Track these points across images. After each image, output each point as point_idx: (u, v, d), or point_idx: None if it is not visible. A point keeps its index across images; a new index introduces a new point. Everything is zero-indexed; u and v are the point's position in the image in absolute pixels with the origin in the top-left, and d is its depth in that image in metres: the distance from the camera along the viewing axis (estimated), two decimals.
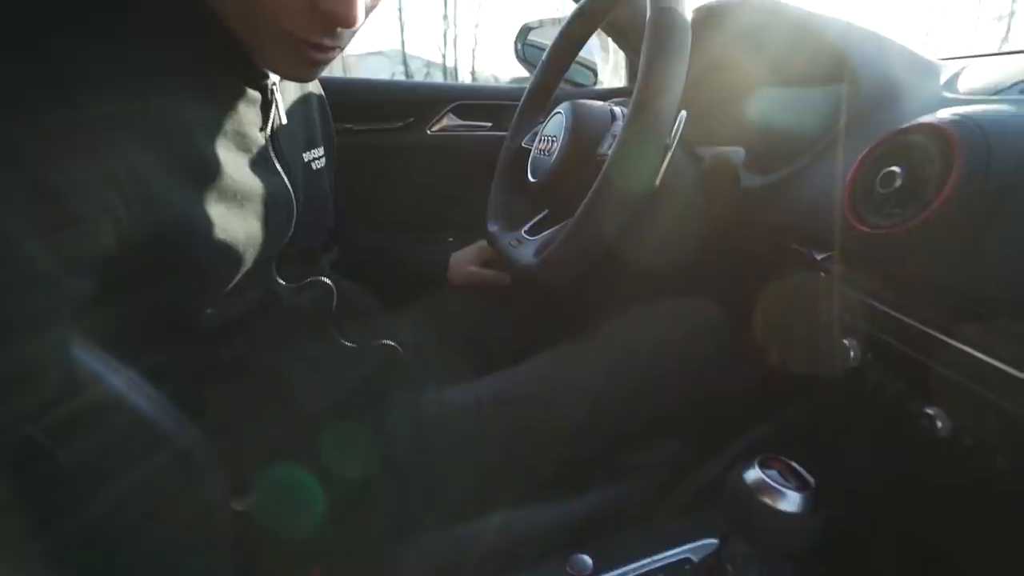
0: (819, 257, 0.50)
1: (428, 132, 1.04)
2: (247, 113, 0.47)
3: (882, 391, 0.43)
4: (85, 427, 0.33)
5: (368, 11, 0.43)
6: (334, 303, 0.62)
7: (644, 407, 0.57)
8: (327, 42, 0.42)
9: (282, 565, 0.53)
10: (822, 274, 0.50)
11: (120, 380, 0.39)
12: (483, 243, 0.85)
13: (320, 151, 0.61)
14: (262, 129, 0.49)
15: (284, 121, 0.52)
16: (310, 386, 0.57)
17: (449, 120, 1.06)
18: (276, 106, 0.50)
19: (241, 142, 0.47)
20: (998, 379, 0.34)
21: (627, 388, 0.60)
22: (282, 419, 0.57)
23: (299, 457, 0.56)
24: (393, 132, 1.03)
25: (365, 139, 1.02)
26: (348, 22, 0.40)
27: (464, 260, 0.85)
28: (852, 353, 0.46)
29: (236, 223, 0.46)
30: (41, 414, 0.31)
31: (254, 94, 0.47)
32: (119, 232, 0.36)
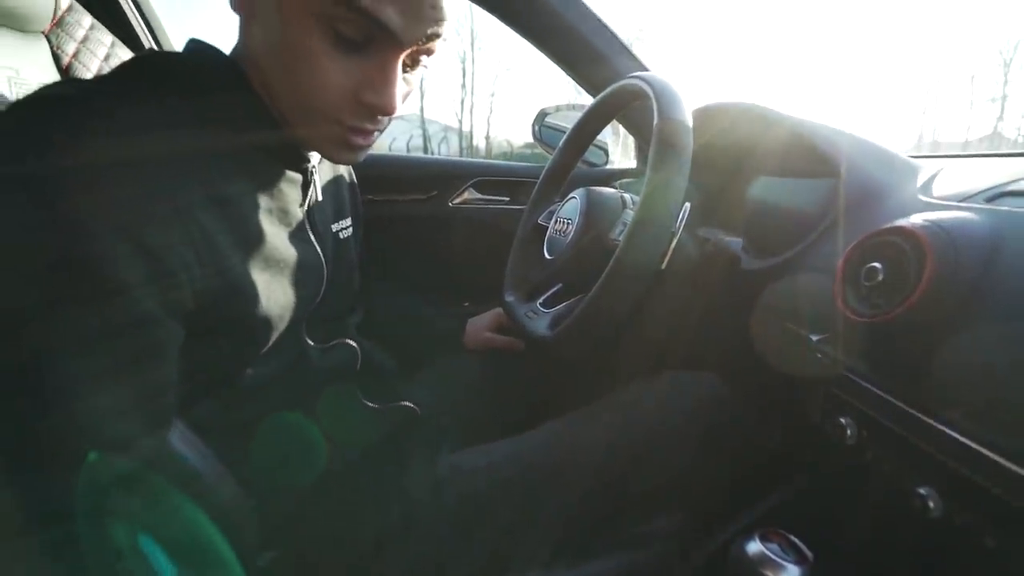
0: (815, 339, 0.54)
1: (450, 204, 1.12)
2: (289, 192, 0.53)
3: (878, 469, 0.46)
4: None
5: (404, 98, 0.51)
6: (358, 364, 0.67)
7: (649, 476, 0.59)
8: (369, 126, 0.49)
9: None
10: (819, 355, 0.54)
11: (175, 433, 0.43)
12: (498, 310, 0.90)
13: (348, 222, 0.68)
14: (301, 205, 0.55)
15: (320, 198, 0.58)
16: (332, 443, 0.61)
17: (470, 194, 1.14)
18: (314, 185, 0.57)
19: (283, 217, 0.53)
20: (979, 461, 0.37)
21: (633, 457, 0.62)
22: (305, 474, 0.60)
23: (319, 515, 0.58)
24: (418, 203, 1.11)
25: (392, 209, 1.10)
26: (387, 111, 0.47)
27: (480, 326, 0.89)
28: (849, 431, 0.49)
29: (276, 287, 0.51)
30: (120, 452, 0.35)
31: (296, 175, 0.54)
32: (192, 287, 0.41)
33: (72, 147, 0.35)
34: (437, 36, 0.45)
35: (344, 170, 0.72)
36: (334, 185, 0.67)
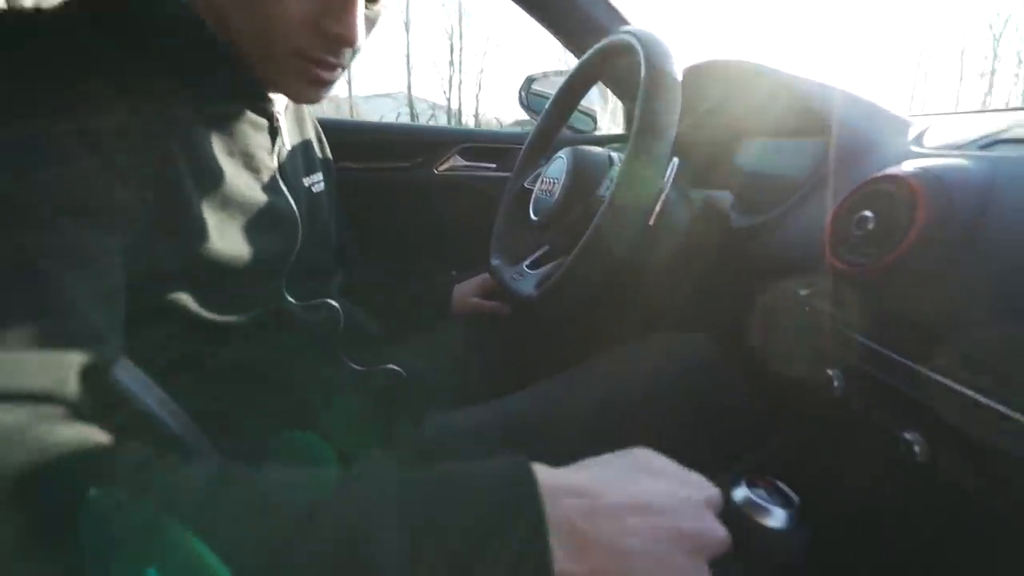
0: (803, 292, 0.54)
1: (435, 171, 1.10)
2: (255, 137, 0.52)
3: (865, 418, 0.46)
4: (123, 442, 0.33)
5: (369, 29, 0.50)
6: (341, 325, 0.65)
7: (639, 436, 0.59)
8: (331, 59, 0.48)
9: None
10: (807, 308, 0.53)
11: (152, 397, 0.41)
12: (485, 275, 0.89)
13: (319, 176, 0.67)
14: (270, 153, 0.54)
15: (287, 145, 0.57)
16: (317, 404, 0.60)
17: (455, 161, 1.12)
18: (281, 134, 0.56)
19: (249, 162, 0.52)
20: (964, 405, 0.37)
21: (622, 417, 0.62)
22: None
23: None
24: (403, 171, 1.09)
25: (377, 177, 1.07)
26: (350, 40, 0.46)
27: (467, 291, 0.88)
28: (836, 383, 0.49)
29: (246, 235, 0.50)
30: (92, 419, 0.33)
31: (260, 120, 0.53)
32: (149, 225, 0.41)
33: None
34: None
35: (311, 125, 0.71)
36: (302, 138, 0.66)
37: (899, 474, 0.41)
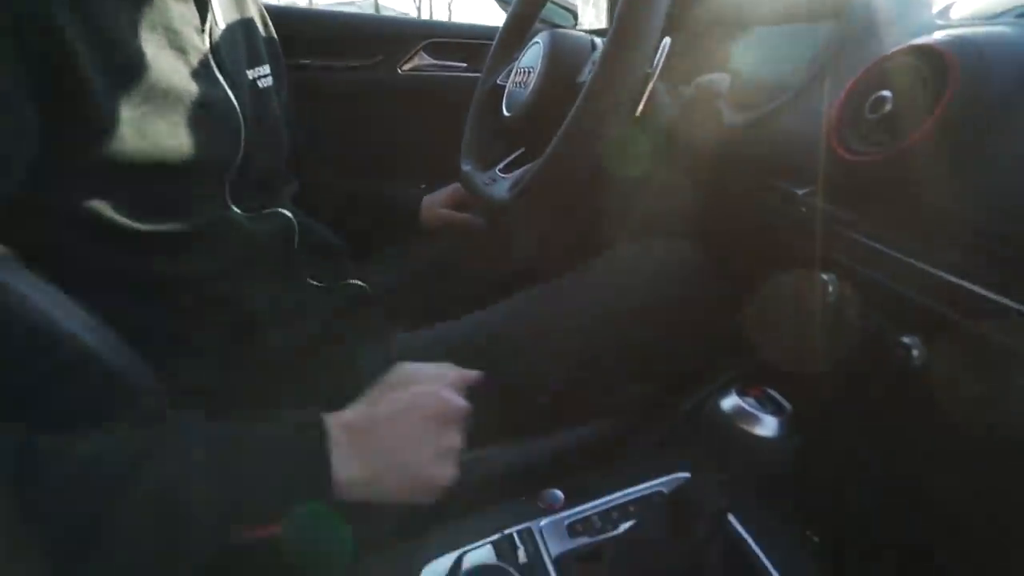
0: (800, 192, 0.49)
1: (399, 71, 0.99)
2: (177, 8, 0.44)
3: (859, 324, 0.43)
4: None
5: None
6: (296, 237, 0.59)
7: (622, 346, 0.56)
8: None
9: None
10: (802, 209, 0.49)
11: (76, 322, 0.36)
12: (457, 186, 0.82)
13: (266, 69, 0.58)
14: (200, 32, 0.47)
15: (220, 24, 0.49)
16: (273, 324, 0.55)
17: (421, 59, 1.00)
18: (212, 10, 0.48)
19: (174, 40, 0.44)
20: (975, 303, 0.34)
21: (602, 330, 0.59)
22: (247, 358, 0.54)
23: (264, 399, 0.54)
24: (361, 70, 0.97)
25: (331, 77, 0.96)
26: None
27: (437, 202, 0.82)
28: (831, 288, 0.45)
29: (169, 129, 0.43)
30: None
31: None
32: (36, 113, 0.35)
33: None
34: None
35: (253, 10, 0.61)
36: (242, 22, 0.57)
37: (894, 379, 0.39)
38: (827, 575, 0.43)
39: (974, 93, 0.34)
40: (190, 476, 0.32)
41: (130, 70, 0.40)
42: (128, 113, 0.40)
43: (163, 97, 0.43)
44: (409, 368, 0.46)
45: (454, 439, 0.41)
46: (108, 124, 0.39)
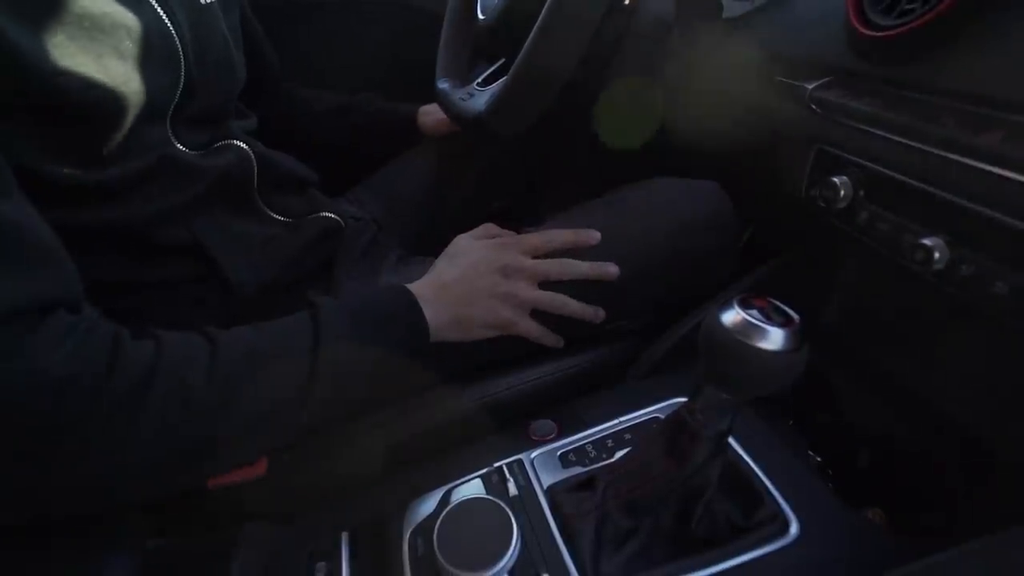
0: (811, 87, 0.44)
1: None
2: None
3: (874, 228, 0.39)
4: None
5: None
6: (255, 171, 0.54)
7: (626, 276, 0.52)
8: None
9: None
10: (812, 107, 0.44)
11: None
12: None
13: None
14: None
15: None
16: (237, 264, 0.51)
17: None
18: None
19: None
20: (1009, 192, 0.30)
21: (607, 257, 0.54)
22: (211, 301, 0.50)
23: None
24: None
25: None
26: None
27: (434, 109, 0.76)
28: (843, 192, 0.41)
29: (87, 60, 0.38)
30: None
31: None
32: None
33: None
34: None
35: None
36: None
37: (912, 285, 0.35)
38: (828, 496, 0.42)
39: None
40: (348, 349, 0.40)
41: None
42: (43, 47, 0.35)
43: (79, 25, 0.37)
44: (463, 241, 0.52)
45: (519, 287, 0.48)
46: (22, 62, 0.34)
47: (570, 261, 0.50)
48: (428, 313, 0.44)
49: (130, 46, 0.40)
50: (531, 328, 0.49)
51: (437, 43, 0.69)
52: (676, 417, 0.36)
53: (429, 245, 0.58)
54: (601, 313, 0.50)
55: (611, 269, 0.50)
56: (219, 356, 0.36)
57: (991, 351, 0.36)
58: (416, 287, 0.46)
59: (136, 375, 0.32)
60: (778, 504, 0.39)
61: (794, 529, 0.38)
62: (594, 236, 0.51)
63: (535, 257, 0.50)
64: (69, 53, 0.37)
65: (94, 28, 0.38)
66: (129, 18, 0.40)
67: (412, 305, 0.44)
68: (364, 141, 0.76)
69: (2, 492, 0.31)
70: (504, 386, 0.50)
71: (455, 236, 0.54)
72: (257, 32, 0.68)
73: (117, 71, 0.39)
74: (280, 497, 0.47)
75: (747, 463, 0.42)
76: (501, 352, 0.52)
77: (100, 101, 0.39)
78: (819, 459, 0.48)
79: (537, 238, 0.51)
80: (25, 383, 0.29)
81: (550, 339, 0.50)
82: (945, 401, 0.42)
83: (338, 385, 0.40)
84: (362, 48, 0.91)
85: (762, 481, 0.41)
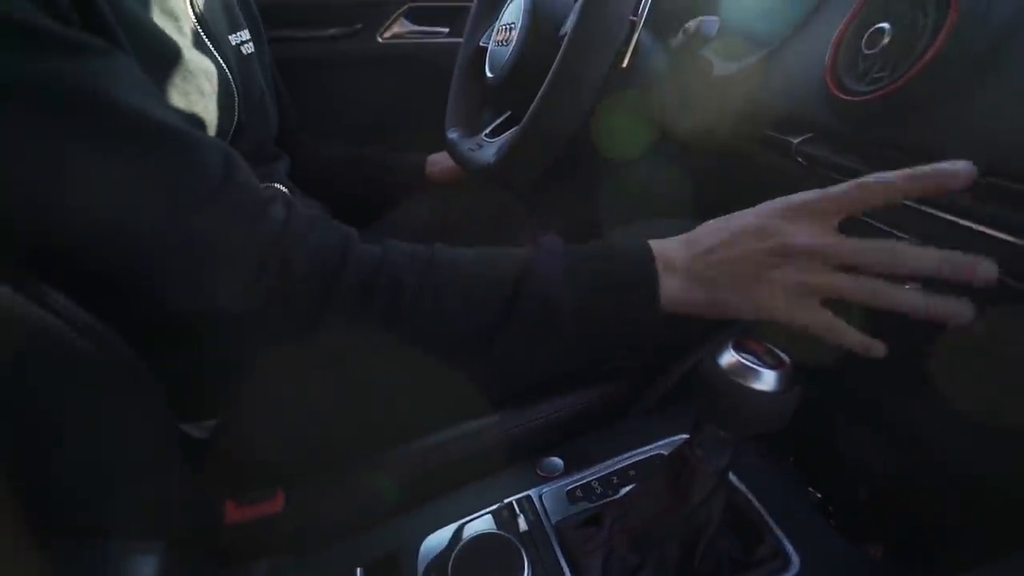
0: (795, 141, 0.47)
1: (379, 39, 0.95)
2: None
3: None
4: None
5: None
6: None
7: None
8: None
9: (245, 490, 0.51)
10: (799, 159, 0.47)
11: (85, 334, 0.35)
12: None
13: (246, 35, 0.57)
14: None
15: None
16: None
17: (402, 26, 0.96)
18: None
19: (164, 5, 0.44)
20: (984, 247, 0.33)
21: None
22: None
23: (257, 377, 0.53)
24: (340, 40, 0.93)
25: (308, 49, 0.92)
26: None
27: (440, 159, 0.80)
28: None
29: (180, 100, 0.43)
30: None
31: None
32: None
33: None
34: None
35: None
36: None
37: (893, 319, 0.37)
38: (829, 532, 0.43)
39: (977, 20, 0.32)
40: (560, 287, 0.36)
41: (147, 42, 0.40)
42: (159, 86, 0.41)
43: (170, 66, 0.42)
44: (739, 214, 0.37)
45: (803, 272, 0.34)
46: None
47: (885, 243, 0.33)
48: (670, 285, 0.36)
49: (208, 87, 0.46)
50: (833, 326, 0.34)
51: (445, 93, 0.73)
52: (678, 454, 0.38)
53: None
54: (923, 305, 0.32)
55: (990, 268, 0.30)
56: (432, 270, 0.36)
57: (979, 390, 0.38)
58: (665, 246, 0.38)
59: (363, 271, 0.35)
60: (779, 540, 0.41)
61: (795, 565, 0.39)
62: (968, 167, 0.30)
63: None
64: (173, 92, 0.42)
65: (186, 71, 0.44)
66: (206, 64, 0.46)
67: (648, 276, 0.36)
68: (374, 190, 0.80)
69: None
70: (513, 423, 0.51)
71: None
72: (280, 83, 0.73)
73: (199, 107, 0.45)
74: (296, 532, 0.48)
75: (749, 500, 0.43)
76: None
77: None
78: (819, 495, 0.49)
79: (830, 195, 0.34)
80: (291, 250, 0.34)
81: (868, 344, 0.34)
82: (940, 437, 0.43)
83: (539, 319, 0.36)
84: (374, 98, 0.97)
85: (763, 518, 0.42)
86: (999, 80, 0.33)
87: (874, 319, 0.34)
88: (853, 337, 0.34)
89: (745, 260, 0.35)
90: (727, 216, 0.37)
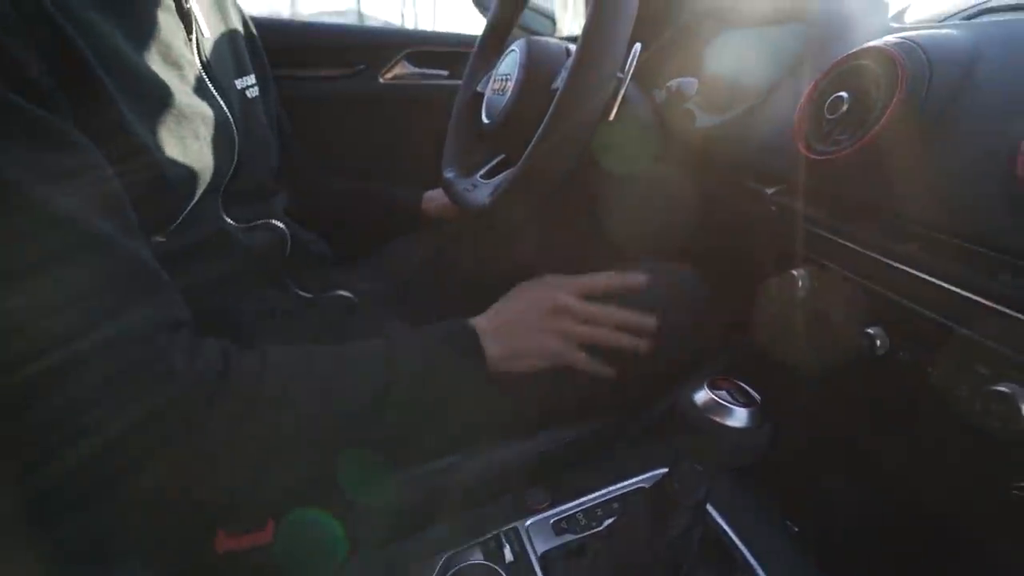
0: (769, 192, 0.51)
1: (381, 80, 1.00)
2: (166, 21, 0.46)
3: (826, 317, 0.44)
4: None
5: None
6: (287, 249, 0.60)
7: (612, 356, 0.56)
8: None
9: (235, 520, 0.51)
10: (772, 208, 0.51)
11: None
12: None
13: (252, 79, 0.59)
14: (188, 44, 0.48)
15: (206, 35, 0.51)
16: (264, 334, 0.55)
17: (403, 68, 1.01)
18: (196, 19, 0.49)
19: (167, 54, 0.45)
20: (933, 294, 0.36)
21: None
22: None
23: None
24: (343, 80, 0.98)
25: (313, 88, 0.96)
26: None
27: (437, 196, 0.84)
28: (801, 283, 0.47)
29: (175, 143, 0.44)
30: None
31: (167, 1, 0.46)
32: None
33: None
34: None
35: (235, 15, 0.61)
36: (227, 32, 0.58)
37: (859, 368, 0.40)
38: (806, 563, 0.45)
39: (920, 95, 0.36)
40: (415, 368, 0.46)
41: (140, 88, 0.41)
42: (151, 132, 0.42)
43: (167, 111, 0.44)
44: (523, 285, 0.57)
45: (566, 324, 0.52)
46: (136, 143, 0.40)
47: (612, 308, 0.54)
48: (485, 343, 0.49)
49: (204, 131, 0.48)
50: (579, 358, 0.52)
51: (443, 133, 0.77)
52: (658, 487, 0.40)
53: (431, 321, 0.63)
54: (644, 344, 0.53)
55: (649, 322, 0.53)
56: (315, 366, 0.43)
57: (942, 433, 0.40)
58: (476, 321, 0.52)
59: (245, 382, 0.39)
60: (755, 573, 0.42)
61: None
62: (639, 279, 0.56)
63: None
64: (166, 137, 0.44)
65: (181, 116, 0.45)
66: (204, 108, 0.48)
67: (472, 335, 0.50)
68: (372, 223, 0.82)
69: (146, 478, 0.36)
70: (499, 457, 0.53)
71: (455, 313, 0.58)
72: (284, 122, 0.76)
73: (193, 150, 0.46)
74: (285, 563, 0.49)
75: (726, 532, 0.45)
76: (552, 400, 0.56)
77: (181, 176, 0.45)
78: (796, 528, 0.51)
79: (585, 281, 0.56)
80: (165, 384, 0.35)
81: (599, 369, 0.52)
82: (912, 477, 0.45)
83: (410, 398, 0.45)
84: (374, 136, 1.01)
85: (740, 550, 0.44)
86: (942, 148, 0.36)
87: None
88: (599, 368, 0.53)
89: (530, 317, 0.52)
90: (519, 287, 0.56)
